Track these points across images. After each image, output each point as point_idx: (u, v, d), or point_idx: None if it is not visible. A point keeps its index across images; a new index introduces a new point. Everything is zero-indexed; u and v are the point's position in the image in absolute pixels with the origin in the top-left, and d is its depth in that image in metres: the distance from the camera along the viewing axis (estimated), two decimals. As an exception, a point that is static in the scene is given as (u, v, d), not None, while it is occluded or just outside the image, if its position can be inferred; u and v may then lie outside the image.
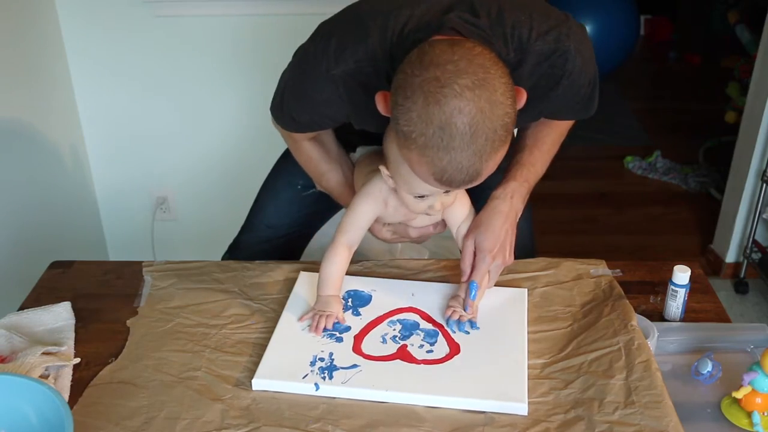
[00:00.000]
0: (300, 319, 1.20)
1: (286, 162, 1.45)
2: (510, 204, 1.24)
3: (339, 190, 1.37)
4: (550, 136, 1.31)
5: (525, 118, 1.19)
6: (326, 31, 1.13)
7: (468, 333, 1.17)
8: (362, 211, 1.22)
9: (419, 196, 1.13)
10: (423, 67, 0.94)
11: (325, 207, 1.57)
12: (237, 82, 2.23)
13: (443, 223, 1.27)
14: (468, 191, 1.23)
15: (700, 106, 4.07)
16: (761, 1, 3.01)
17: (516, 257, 1.40)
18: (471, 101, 0.92)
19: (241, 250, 1.52)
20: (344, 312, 1.21)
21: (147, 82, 2.24)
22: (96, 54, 2.18)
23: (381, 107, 1.04)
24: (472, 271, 1.21)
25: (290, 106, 1.20)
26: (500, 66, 0.96)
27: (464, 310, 1.19)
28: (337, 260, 1.21)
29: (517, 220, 1.27)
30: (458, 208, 1.23)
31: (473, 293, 1.19)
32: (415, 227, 1.27)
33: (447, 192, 1.13)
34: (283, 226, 1.54)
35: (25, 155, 1.95)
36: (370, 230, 1.29)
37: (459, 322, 1.18)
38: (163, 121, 2.31)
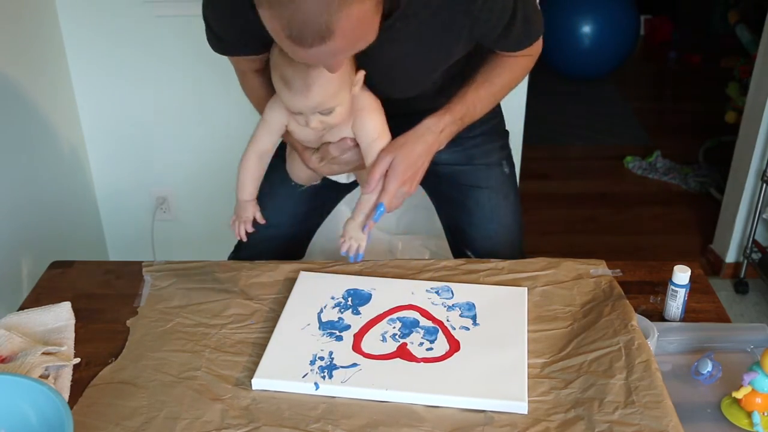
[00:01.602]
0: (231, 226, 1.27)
1: (280, 159, 1.46)
2: (437, 138, 1.23)
3: None
4: (501, 77, 1.29)
5: (460, 43, 1.18)
6: None
7: (357, 262, 1.23)
8: (269, 118, 1.26)
9: (297, 113, 1.16)
10: None
11: (323, 202, 1.57)
12: (237, 82, 2.23)
13: (349, 142, 1.26)
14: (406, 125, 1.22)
15: (700, 106, 4.07)
16: (761, 1, 3.01)
17: (504, 255, 1.40)
18: None
19: (245, 249, 1.52)
20: (344, 311, 1.22)
21: (147, 81, 2.24)
22: (96, 54, 2.18)
23: None
24: (381, 192, 1.19)
25: (211, 22, 1.21)
26: None
27: (362, 230, 1.20)
28: (248, 166, 1.28)
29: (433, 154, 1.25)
30: (368, 123, 1.21)
31: (378, 215, 1.19)
32: (334, 143, 1.25)
33: (327, 113, 1.15)
34: (283, 224, 1.54)
35: (25, 155, 1.95)
36: (303, 160, 1.30)
37: (358, 254, 1.21)
38: (164, 121, 2.31)
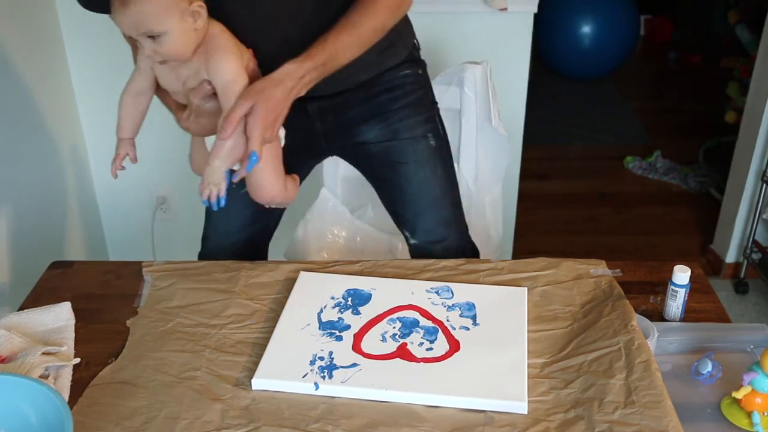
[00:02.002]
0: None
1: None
2: (296, 83, 1.21)
3: None
4: (364, 22, 1.26)
5: None
6: None
7: (227, 209, 1.22)
8: (138, 59, 1.27)
9: (130, 38, 1.19)
10: None
11: None
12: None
13: (207, 87, 1.23)
14: None
15: (700, 106, 4.07)
16: (761, 1, 3.01)
17: (440, 234, 1.41)
18: None
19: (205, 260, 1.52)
20: (344, 311, 1.22)
21: (147, 82, 2.24)
22: (96, 54, 2.18)
23: None
24: (248, 140, 1.17)
25: None
26: None
27: (222, 175, 1.19)
28: (122, 104, 1.30)
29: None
30: (222, 63, 1.19)
31: (251, 164, 1.18)
32: (195, 90, 1.23)
33: (156, 39, 1.15)
34: (233, 232, 1.54)
35: (25, 155, 1.95)
36: (178, 121, 1.31)
37: (218, 197, 1.20)
38: (164, 120, 2.31)
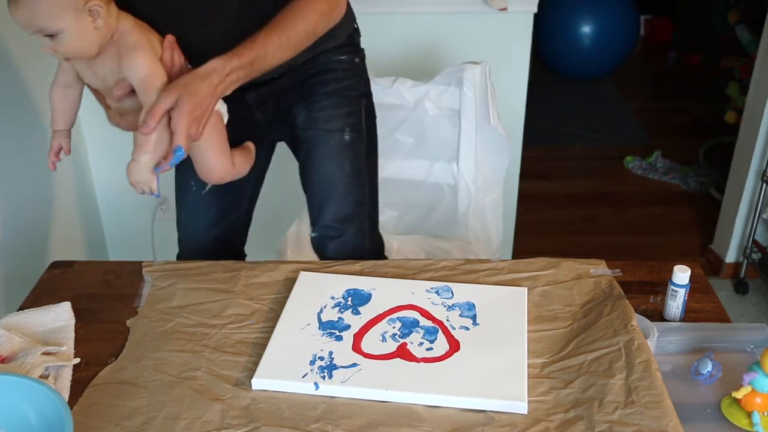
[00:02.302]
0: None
1: (176, 169, 1.46)
2: (223, 80, 1.20)
3: None
4: (296, 24, 1.26)
5: None
6: None
7: (158, 196, 1.20)
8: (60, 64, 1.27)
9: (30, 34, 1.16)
10: None
11: (234, 197, 1.56)
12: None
13: (125, 83, 1.21)
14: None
15: (700, 106, 4.07)
16: (761, 1, 3.00)
17: (338, 230, 1.41)
18: None
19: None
20: (344, 311, 1.22)
21: (147, 82, 2.24)
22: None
23: None
24: (174, 134, 1.16)
25: None
26: None
27: (150, 171, 1.17)
28: (52, 97, 1.30)
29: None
30: (134, 60, 1.17)
31: (176, 159, 1.16)
32: (116, 85, 1.22)
33: (53, 38, 1.14)
34: (199, 234, 1.55)
35: (25, 155, 1.95)
36: (109, 119, 1.30)
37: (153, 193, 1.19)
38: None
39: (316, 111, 1.45)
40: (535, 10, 2.17)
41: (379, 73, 1.77)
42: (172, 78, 1.21)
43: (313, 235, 1.52)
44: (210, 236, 1.56)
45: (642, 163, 3.49)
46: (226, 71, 1.20)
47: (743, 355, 1.15)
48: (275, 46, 1.24)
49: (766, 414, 1.03)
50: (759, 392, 1.01)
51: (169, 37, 1.23)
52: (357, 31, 1.54)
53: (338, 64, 1.48)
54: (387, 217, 1.93)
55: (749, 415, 1.02)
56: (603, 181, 3.42)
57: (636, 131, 3.89)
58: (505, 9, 2.11)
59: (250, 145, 1.42)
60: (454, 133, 1.76)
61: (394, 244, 1.85)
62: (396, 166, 1.84)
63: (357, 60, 1.52)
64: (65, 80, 1.29)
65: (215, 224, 1.56)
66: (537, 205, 3.15)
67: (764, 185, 2.48)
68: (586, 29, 4.10)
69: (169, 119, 1.16)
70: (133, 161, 1.19)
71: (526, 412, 1.02)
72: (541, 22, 2.93)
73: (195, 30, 1.27)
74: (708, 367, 1.08)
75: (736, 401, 1.04)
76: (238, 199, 1.58)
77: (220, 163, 1.31)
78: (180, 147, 1.16)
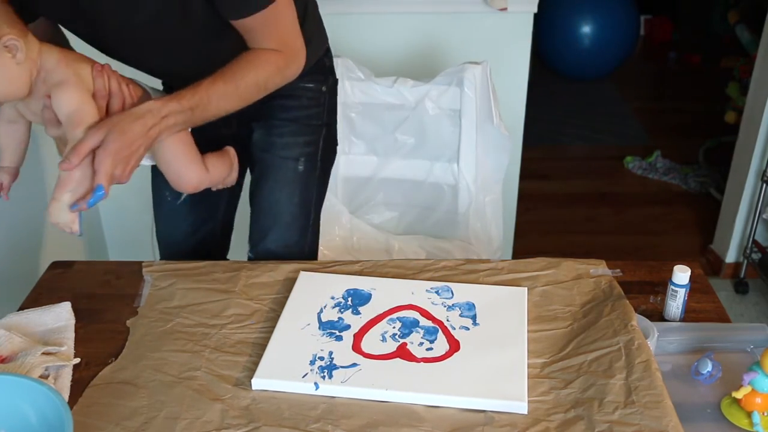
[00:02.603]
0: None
1: (152, 179, 1.46)
2: (158, 122, 1.15)
3: None
4: (245, 74, 1.21)
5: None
6: None
7: (80, 234, 1.14)
8: None
9: None
10: None
11: (209, 206, 1.54)
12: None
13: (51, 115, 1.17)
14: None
15: (700, 106, 4.08)
16: (761, 1, 3.00)
17: (279, 257, 1.37)
18: None
19: None
20: (344, 311, 1.22)
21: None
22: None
23: None
24: (95, 173, 1.10)
25: None
26: None
27: (69, 210, 1.12)
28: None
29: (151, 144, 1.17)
30: (61, 96, 1.12)
31: (95, 199, 1.11)
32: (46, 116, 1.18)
33: None
34: (178, 242, 1.55)
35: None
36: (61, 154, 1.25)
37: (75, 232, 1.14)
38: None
39: (275, 136, 1.42)
40: (535, 10, 2.17)
41: (380, 73, 1.77)
42: (109, 107, 1.17)
43: (251, 255, 1.50)
44: (188, 245, 1.55)
45: (642, 163, 3.49)
46: (163, 114, 1.15)
47: (743, 355, 1.15)
48: (220, 95, 1.20)
49: (766, 414, 1.03)
50: (759, 392, 1.01)
51: (98, 66, 1.19)
52: (328, 53, 1.50)
53: (303, 92, 1.45)
54: (387, 217, 1.93)
55: (749, 415, 1.02)
56: (603, 181, 3.42)
57: (636, 131, 3.89)
58: (505, 9, 2.11)
59: (230, 149, 1.39)
60: (455, 133, 1.76)
61: (394, 244, 1.85)
62: (396, 166, 1.84)
63: (324, 88, 1.48)
64: (8, 115, 1.24)
65: (193, 233, 1.55)
66: (537, 205, 3.15)
67: (764, 185, 2.48)
68: (586, 29, 4.10)
69: (94, 157, 1.11)
70: (54, 200, 1.13)
71: (526, 412, 1.02)
72: (541, 22, 2.94)
73: (164, 61, 1.26)
74: (708, 367, 1.08)
75: (736, 401, 1.04)
76: (215, 207, 1.56)
77: (190, 172, 1.28)
78: (100, 186, 1.10)
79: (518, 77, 2.26)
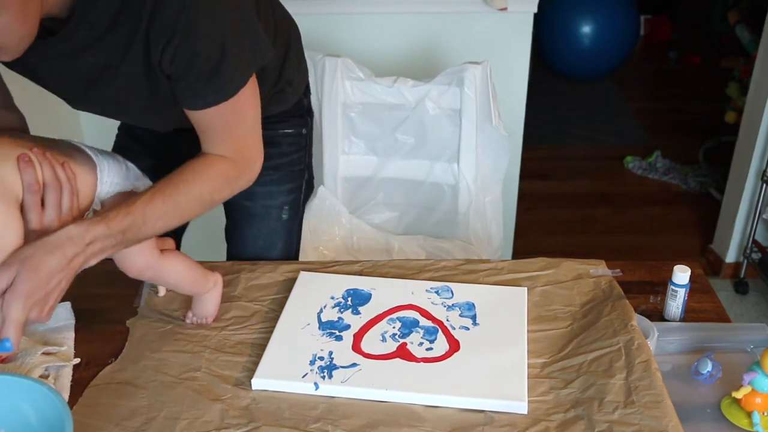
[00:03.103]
0: None
1: (152, 179, 1.44)
2: (81, 251, 0.97)
3: None
4: (188, 193, 1.07)
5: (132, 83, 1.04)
6: None
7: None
8: None
9: None
10: None
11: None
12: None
13: None
14: None
15: (700, 106, 4.08)
16: (761, 1, 3.00)
17: None
18: None
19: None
20: (344, 311, 1.22)
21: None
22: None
23: None
24: (3, 321, 0.91)
25: None
26: None
27: None
28: None
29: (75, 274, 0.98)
30: None
31: (1, 350, 0.91)
32: None
33: None
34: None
35: (25, 155, 1.95)
36: None
37: None
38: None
39: (256, 185, 1.23)
40: (535, 10, 2.17)
41: (380, 73, 1.76)
42: (44, 200, 1.00)
43: None
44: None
45: (642, 163, 3.49)
46: (87, 240, 0.97)
47: (743, 355, 1.15)
48: (158, 214, 1.04)
49: (766, 414, 1.03)
50: (759, 392, 1.01)
51: (23, 157, 0.99)
52: (307, 91, 1.46)
53: (284, 138, 1.39)
54: (387, 217, 1.93)
55: (749, 415, 1.02)
56: (603, 181, 3.42)
57: (636, 131, 3.89)
58: (505, 9, 2.11)
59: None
60: (455, 133, 1.76)
61: (394, 244, 1.85)
62: (396, 166, 1.84)
63: (304, 131, 1.44)
64: None
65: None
66: (537, 205, 3.15)
67: (764, 185, 2.48)
68: (586, 29, 4.10)
69: (2, 301, 0.91)
70: None
71: (526, 412, 1.02)
72: (541, 22, 2.94)
73: (136, 120, 1.24)
74: (708, 367, 1.08)
75: (736, 401, 1.04)
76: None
77: (200, 288, 1.20)
78: (7, 339, 0.90)
79: (518, 77, 2.26)
